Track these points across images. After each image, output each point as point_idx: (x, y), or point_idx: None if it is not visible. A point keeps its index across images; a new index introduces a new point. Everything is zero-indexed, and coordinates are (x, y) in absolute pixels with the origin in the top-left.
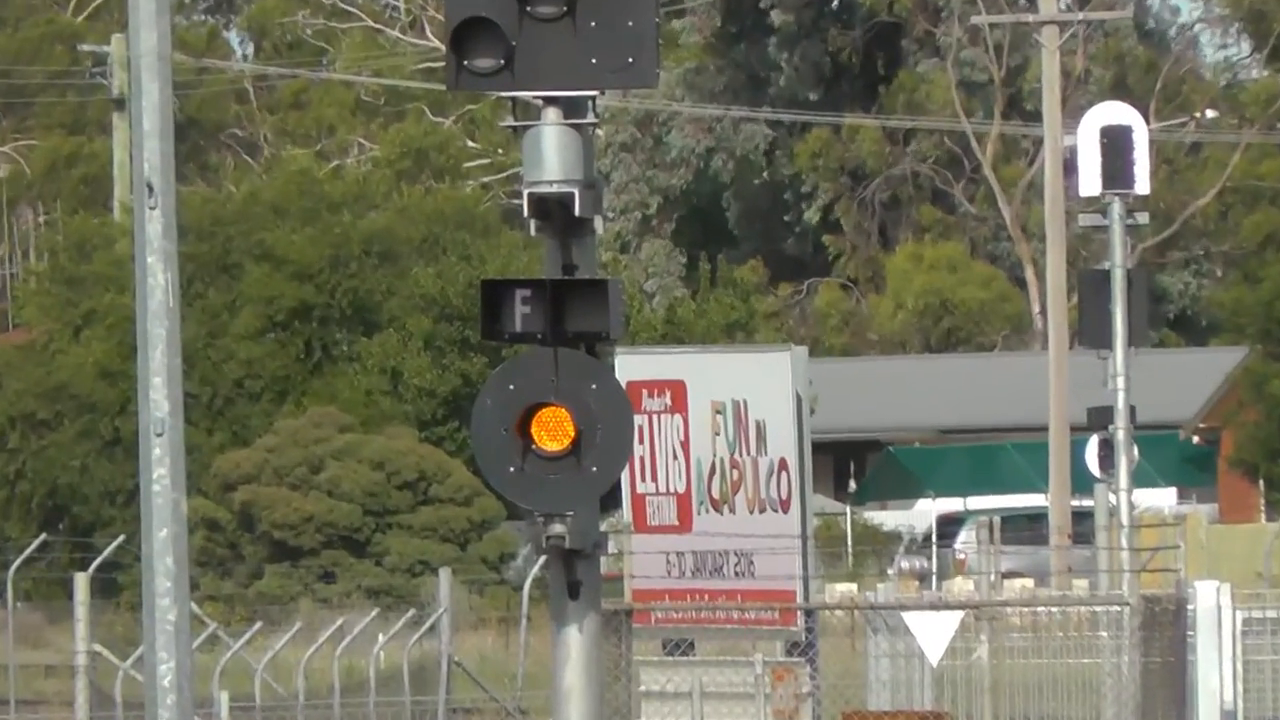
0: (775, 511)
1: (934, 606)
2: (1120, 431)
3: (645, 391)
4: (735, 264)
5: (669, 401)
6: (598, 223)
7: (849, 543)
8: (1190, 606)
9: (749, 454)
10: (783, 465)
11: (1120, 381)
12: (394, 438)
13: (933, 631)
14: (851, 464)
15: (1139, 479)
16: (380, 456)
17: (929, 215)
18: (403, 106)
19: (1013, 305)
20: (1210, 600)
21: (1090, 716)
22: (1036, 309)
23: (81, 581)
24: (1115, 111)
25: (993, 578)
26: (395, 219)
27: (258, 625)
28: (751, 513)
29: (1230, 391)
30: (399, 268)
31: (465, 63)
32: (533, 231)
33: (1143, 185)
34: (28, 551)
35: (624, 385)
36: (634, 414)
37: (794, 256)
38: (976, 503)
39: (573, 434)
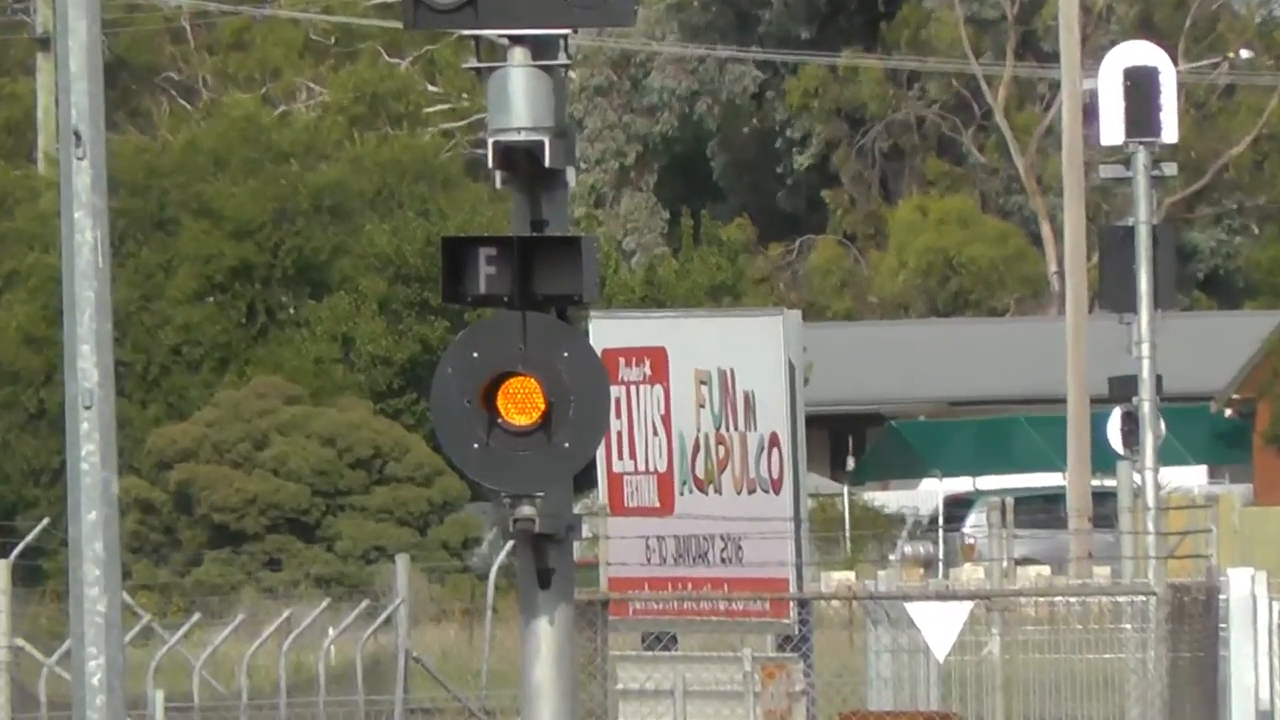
0: (765, 492)
1: (940, 596)
2: (1145, 404)
3: (622, 360)
4: (721, 220)
5: (648, 371)
6: (570, 174)
7: (847, 526)
8: (1222, 596)
9: (737, 429)
10: (774, 441)
11: (1145, 349)
12: (346, 410)
13: (939, 624)
14: (850, 440)
15: (1166, 456)
16: (331, 431)
17: (935, 166)
18: (355, 47)
19: (1027, 265)
20: (1244, 589)
21: (1114, 716)
22: (1053, 269)
23: (2, 569)
24: (1140, 51)
25: (1005, 565)
26: (347, 170)
27: (196, 617)
28: (739, 493)
29: (1266, 359)
30: (351, 224)
31: None
32: (498, 184)
33: (1170, 133)
34: None
35: (599, 353)
36: (610, 385)
37: (786, 212)
38: (987, 482)
39: (543, 407)
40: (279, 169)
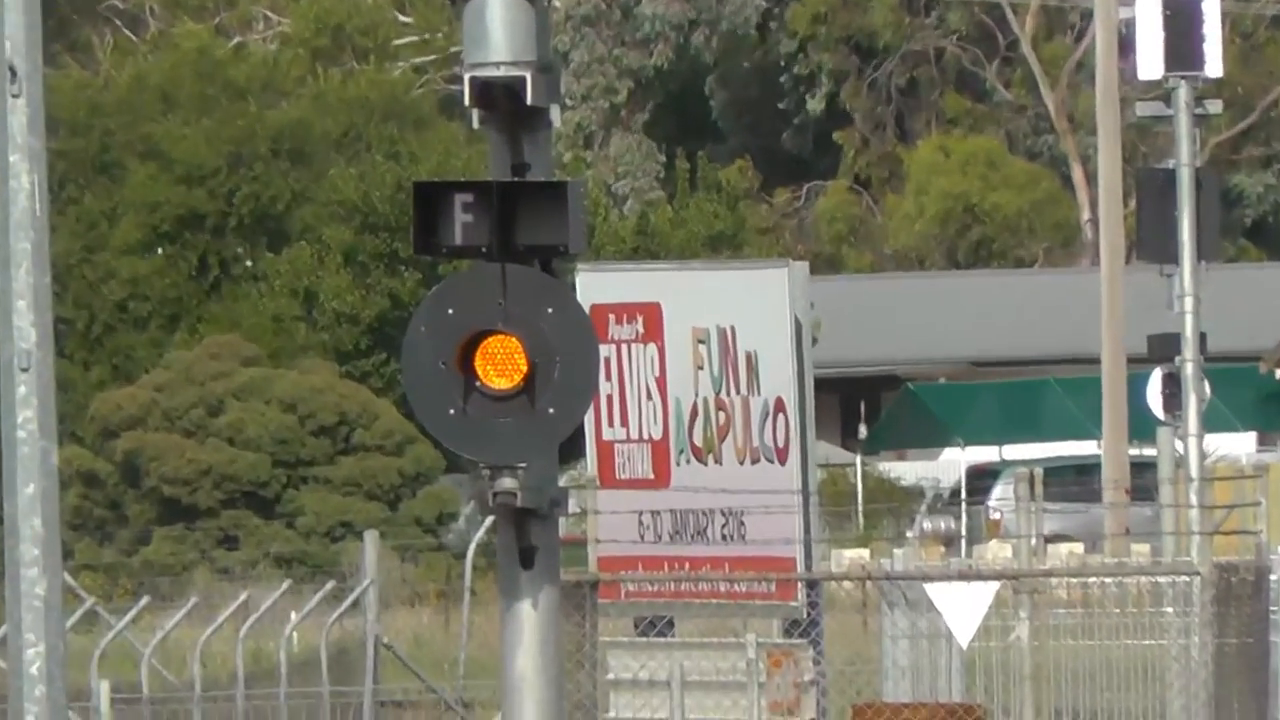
0: (770, 462)
1: (963, 577)
2: (1188, 364)
3: (613, 316)
4: (721, 163)
5: (641, 329)
6: (554, 113)
7: (859, 500)
8: (1273, 576)
9: (738, 392)
10: (779, 406)
11: (1188, 303)
12: (308, 373)
13: (962, 607)
14: (863, 405)
15: (1211, 421)
16: (292, 396)
17: (956, 103)
18: None
19: (1057, 212)
20: None
21: (1153, 709)
22: (1086, 216)
23: None
24: None
25: (1034, 542)
26: (310, 110)
27: (144, 601)
28: (741, 463)
29: None
30: (314, 168)
31: None
32: (475, 124)
33: (1214, 67)
34: None
35: (587, 309)
36: (599, 344)
37: (792, 154)
38: (1014, 451)
39: (525, 368)
40: (234, 108)
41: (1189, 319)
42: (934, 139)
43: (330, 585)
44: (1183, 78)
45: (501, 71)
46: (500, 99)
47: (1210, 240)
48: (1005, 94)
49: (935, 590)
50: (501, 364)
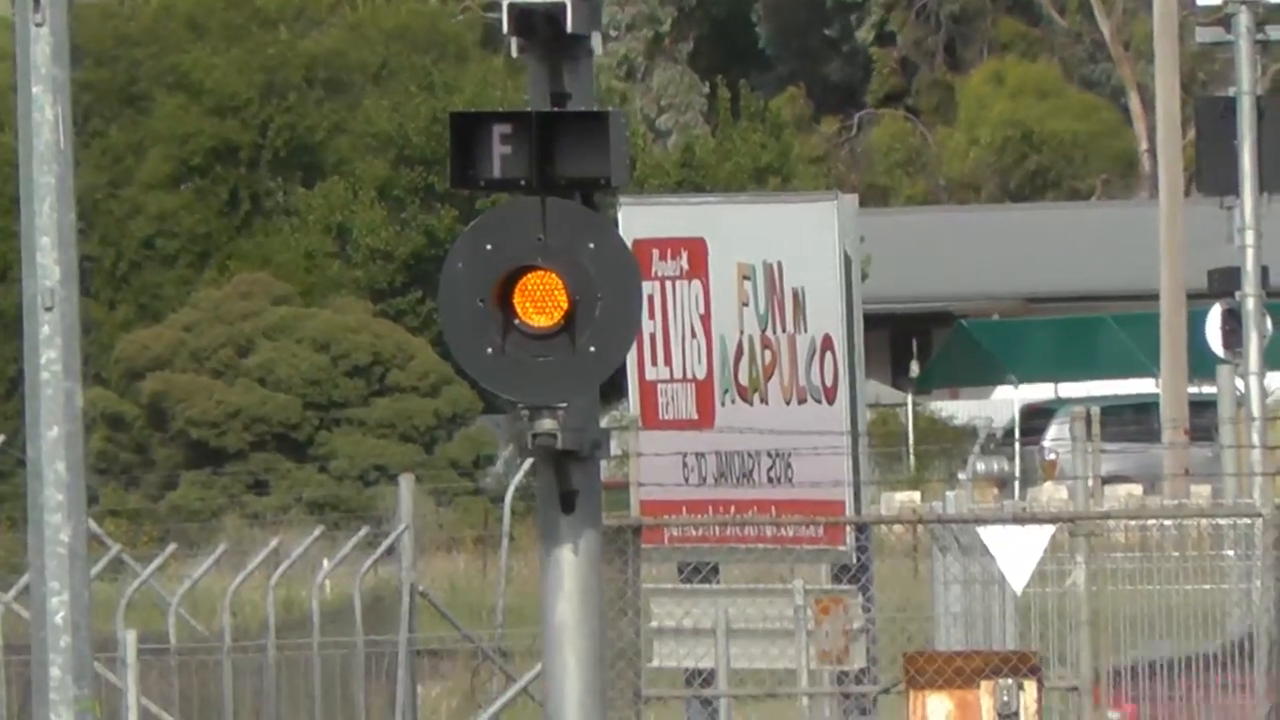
0: (818, 402)
1: (1017, 520)
2: (1250, 299)
3: (656, 252)
4: (767, 93)
5: (685, 264)
6: (595, 41)
7: (910, 440)
8: None
9: (785, 330)
10: (827, 344)
11: (1249, 236)
12: (342, 311)
13: (1016, 551)
14: (914, 342)
15: (1274, 359)
16: (325, 335)
17: (1009, 28)
18: None
19: (1114, 142)
20: None
21: (1214, 655)
22: (1144, 146)
23: None
24: None
25: (1090, 484)
26: (344, 39)
27: (172, 548)
28: (788, 403)
29: None
30: (348, 99)
31: None
32: (514, 52)
33: None
34: None
35: (629, 244)
36: (642, 280)
37: (842, 83)
38: (1070, 389)
39: (565, 305)
40: (266, 37)
41: (1250, 253)
42: (988, 65)
43: (364, 531)
44: (1243, 2)
45: None
46: (540, 26)
47: (1273, 171)
48: (1060, 21)
49: (988, 534)
50: (541, 301)
